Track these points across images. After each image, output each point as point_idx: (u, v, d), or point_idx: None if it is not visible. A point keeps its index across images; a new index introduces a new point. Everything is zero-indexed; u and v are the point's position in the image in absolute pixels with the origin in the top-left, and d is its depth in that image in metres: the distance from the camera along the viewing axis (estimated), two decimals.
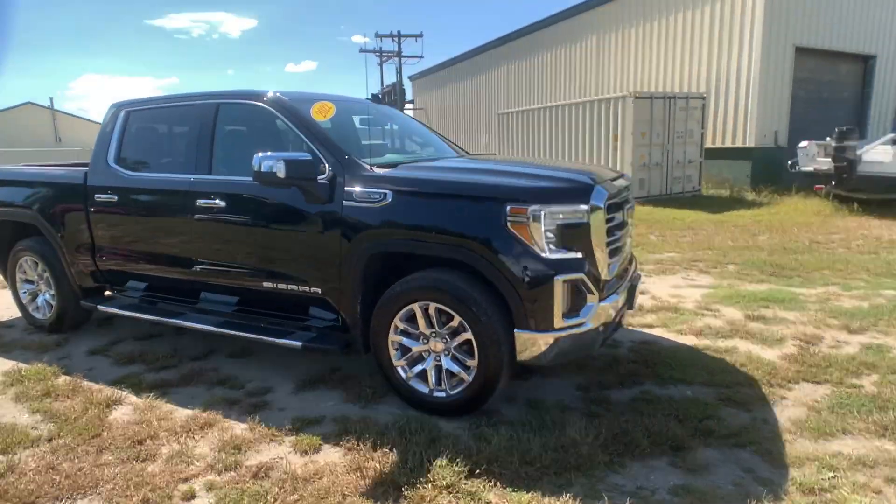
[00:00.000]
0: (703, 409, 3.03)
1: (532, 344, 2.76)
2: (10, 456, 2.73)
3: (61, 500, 2.40)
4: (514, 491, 2.37)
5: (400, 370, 3.09)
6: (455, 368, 2.96)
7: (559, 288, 2.71)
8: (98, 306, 4.17)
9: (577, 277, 2.75)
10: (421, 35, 28.16)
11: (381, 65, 30.79)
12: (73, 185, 4.13)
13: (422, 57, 29.21)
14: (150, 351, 4.04)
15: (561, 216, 2.75)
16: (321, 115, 3.45)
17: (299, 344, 3.31)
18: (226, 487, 2.45)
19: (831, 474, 2.43)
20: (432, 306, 2.92)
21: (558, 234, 2.75)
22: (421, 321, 2.98)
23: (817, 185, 11.23)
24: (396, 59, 28.38)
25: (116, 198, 3.90)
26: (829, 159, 10.45)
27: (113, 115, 4.10)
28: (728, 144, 13.35)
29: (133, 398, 3.33)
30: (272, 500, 2.35)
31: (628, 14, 16.07)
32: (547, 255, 2.73)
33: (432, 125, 31.60)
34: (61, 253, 4.27)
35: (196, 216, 3.55)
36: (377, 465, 2.56)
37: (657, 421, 2.87)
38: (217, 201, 3.45)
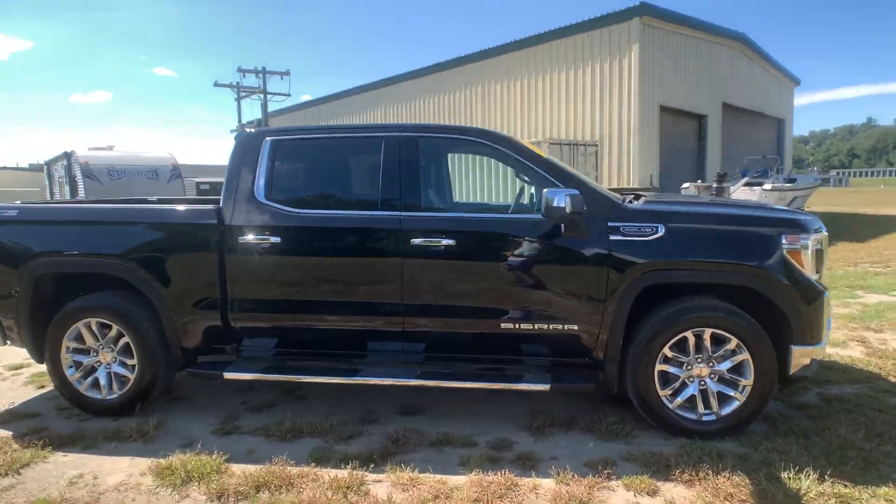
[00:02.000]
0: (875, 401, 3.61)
1: (804, 358, 3.07)
2: None
3: None
4: (865, 486, 2.60)
5: (665, 399, 3.13)
6: (726, 391, 3.11)
7: (827, 305, 3.08)
8: (226, 374, 3.39)
9: (827, 297, 3.15)
10: (288, 73, 27.16)
11: (238, 100, 28.90)
12: (203, 225, 3.37)
13: (289, 95, 28.14)
14: (298, 422, 3.38)
15: (816, 244, 3.14)
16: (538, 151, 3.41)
17: (547, 386, 3.15)
18: None
19: None
20: (707, 332, 3.06)
21: (814, 260, 3.13)
22: (692, 348, 3.09)
23: None
24: (260, 95, 26.89)
25: (279, 239, 3.28)
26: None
27: (252, 145, 3.46)
28: (615, 186, 15.41)
29: (372, 477, 2.80)
30: None
31: (516, 67, 17.76)
32: (813, 277, 3.08)
33: None
34: (163, 310, 3.41)
35: (407, 257, 3.18)
36: (734, 491, 2.58)
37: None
38: (444, 240, 3.15)
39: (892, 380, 4.02)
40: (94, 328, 3.52)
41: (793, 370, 3.08)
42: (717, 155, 18.39)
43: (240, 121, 29.83)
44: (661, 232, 3.06)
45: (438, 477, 2.78)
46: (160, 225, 3.48)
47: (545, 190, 2.93)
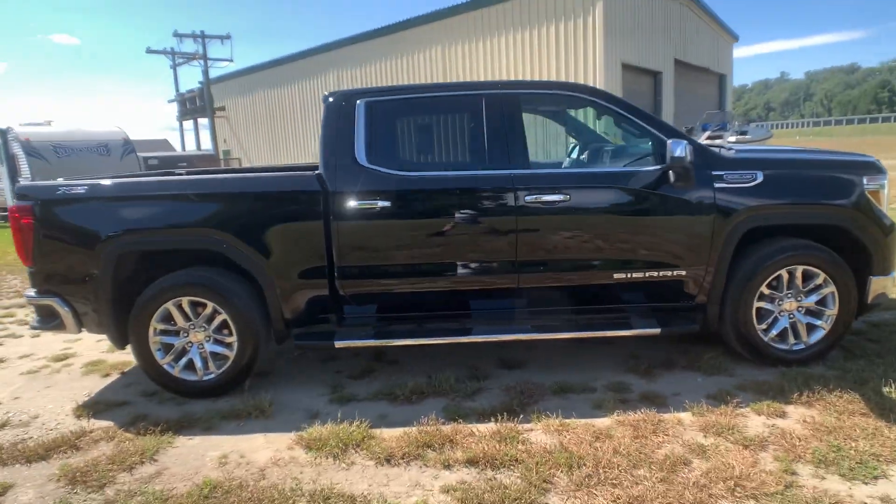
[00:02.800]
0: None
1: (882, 287, 3.41)
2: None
3: None
4: None
5: (761, 333, 3.40)
6: (814, 321, 3.42)
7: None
8: (337, 342, 3.35)
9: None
10: (229, 37, 25.46)
11: (174, 67, 26.94)
12: (306, 192, 3.25)
13: (231, 60, 26.43)
14: (417, 382, 3.43)
15: (886, 185, 3.45)
16: None
17: (658, 330, 3.35)
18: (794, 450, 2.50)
19: None
20: (800, 269, 3.33)
21: (884, 199, 3.44)
22: (785, 285, 3.36)
23: None
24: (200, 62, 25.09)
25: (388, 203, 3.22)
26: None
27: (346, 109, 3.34)
28: None
29: (523, 427, 2.91)
30: (841, 442, 2.51)
31: (479, 26, 17.54)
32: (886, 213, 3.40)
33: (238, 134, 29.11)
34: (265, 282, 3.31)
35: (522, 215, 3.22)
36: (851, 406, 2.88)
37: None
38: (559, 195, 3.21)
39: None
40: (186, 307, 3.36)
41: (871, 299, 3.42)
42: (671, 110, 19.14)
43: (177, 90, 27.97)
44: (760, 178, 3.26)
45: (584, 421, 2.93)
46: (259, 195, 3.32)
47: (670, 141, 3.05)
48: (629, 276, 3.34)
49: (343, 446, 2.77)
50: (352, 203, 3.23)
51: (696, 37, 21.10)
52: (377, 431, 2.92)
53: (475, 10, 17.40)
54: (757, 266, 3.29)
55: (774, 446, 2.61)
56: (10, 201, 5.07)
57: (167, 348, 3.43)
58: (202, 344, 3.43)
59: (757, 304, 3.36)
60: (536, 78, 16.39)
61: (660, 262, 3.32)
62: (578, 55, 15.45)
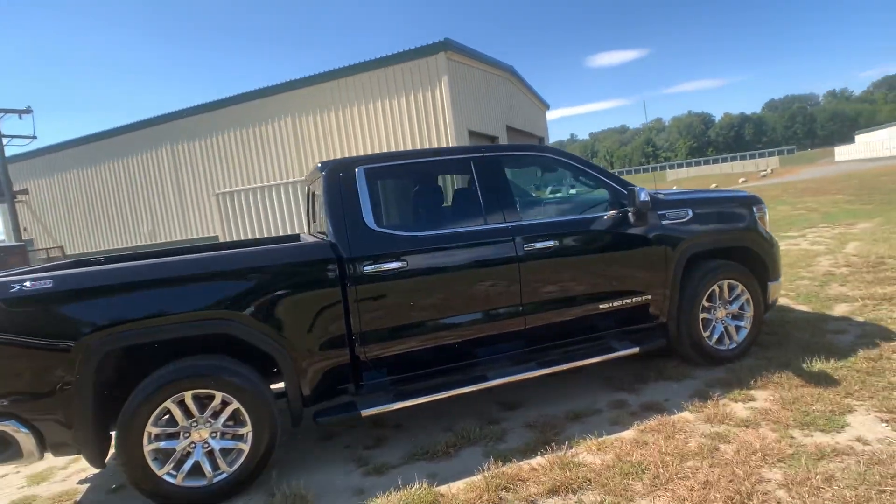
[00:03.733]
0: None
1: (776, 290, 4.42)
2: None
3: None
4: (841, 361, 3.98)
5: (706, 339, 4.14)
6: (738, 323, 4.27)
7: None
8: (364, 411, 3.27)
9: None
10: (29, 111, 22.12)
11: None
12: (321, 261, 3.21)
13: (34, 137, 22.78)
14: (443, 440, 3.48)
15: (766, 211, 4.53)
16: None
17: (637, 349, 3.90)
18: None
19: None
20: (726, 283, 4.17)
21: (767, 222, 4.51)
22: (717, 297, 4.18)
23: None
24: None
25: (404, 263, 3.33)
26: None
27: (346, 176, 3.42)
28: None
29: (571, 452, 3.15)
30: None
31: (334, 97, 18.03)
32: (768, 232, 4.46)
33: (45, 219, 25.17)
34: (282, 360, 3.14)
35: (523, 261, 3.58)
36: (794, 382, 3.67)
37: None
38: (551, 242, 3.65)
39: (790, 303, 5.80)
40: (189, 402, 3.02)
41: (771, 299, 4.40)
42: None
43: None
44: (690, 214, 4.08)
45: (614, 436, 3.27)
46: (272, 268, 3.17)
47: (636, 188, 3.69)
48: (611, 305, 3.87)
49: None
50: (366, 267, 3.28)
51: (518, 105, 24.22)
52: (440, 489, 2.92)
53: (325, 81, 17.91)
54: (699, 284, 4.06)
55: (765, 422, 3.23)
56: None
57: (166, 455, 3.00)
58: (207, 442, 3.08)
59: (702, 314, 4.11)
60: (392, 146, 17.30)
61: (633, 290, 3.92)
62: (431, 123, 16.72)
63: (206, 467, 3.04)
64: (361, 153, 17.55)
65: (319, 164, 3.52)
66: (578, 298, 3.80)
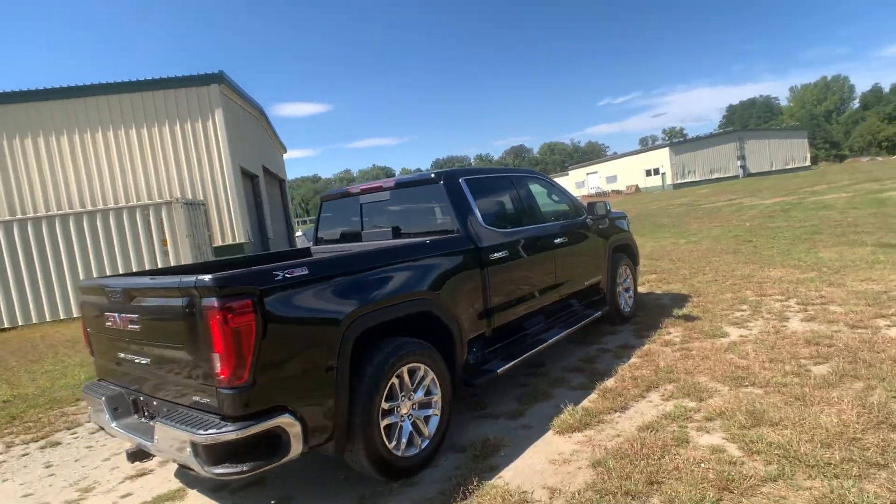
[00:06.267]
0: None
1: (639, 273, 6.87)
2: None
3: None
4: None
5: (622, 295, 6.22)
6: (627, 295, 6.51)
7: None
8: (499, 370, 4.07)
9: None
10: None
11: None
12: (470, 249, 3.97)
13: None
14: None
15: (628, 220, 6.96)
16: None
17: (599, 313, 5.68)
18: None
19: None
20: (625, 259, 6.37)
21: (629, 224, 6.95)
22: (626, 272, 6.34)
23: None
24: None
25: (506, 252, 4.31)
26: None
27: (455, 184, 4.22)
28: (229, 242, 15.81)
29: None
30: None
31: (77, 117, 14.92)
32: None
33: None
34: (456, 332, 3.75)
35: (554, 249, 4.97)
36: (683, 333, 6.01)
37: None
38: (564, 238, 5.13)
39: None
40: (406, 377, 3.37)
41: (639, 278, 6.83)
42: (267, 210, 21.22)
43: None
44: (607, 222, 6.13)
45: (626, 363, 4.91)
46: (445, 255, 3.72)
47: (598, 202, 5.48)
48: (584, 283, 5.54)
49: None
50: (491, 254, 4.16)
51: (267, 147, 24.11)
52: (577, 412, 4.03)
53: (64, 98, 14.83)
54: (616, 266, 6.11)
55: (679, 350, 5.36)
56: None
57: (388, 430, 3.26)
58: (411, 413, 3.43)
59: (620, 287, 6.19)
60: (156, 173, 15.46)
61: (594, 272, 5.69)
62: (203, 156, 15.60)
63: (415, 437, 3.40)
64: (111, 182, 15.13)
65: (430, 173, 4.22)
66: (579, 277, 5.37)
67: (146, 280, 3.02)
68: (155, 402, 3.09)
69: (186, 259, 12.80)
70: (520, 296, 4.52)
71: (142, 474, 3.87)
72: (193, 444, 2.59)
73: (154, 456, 3.16)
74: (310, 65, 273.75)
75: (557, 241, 5.04)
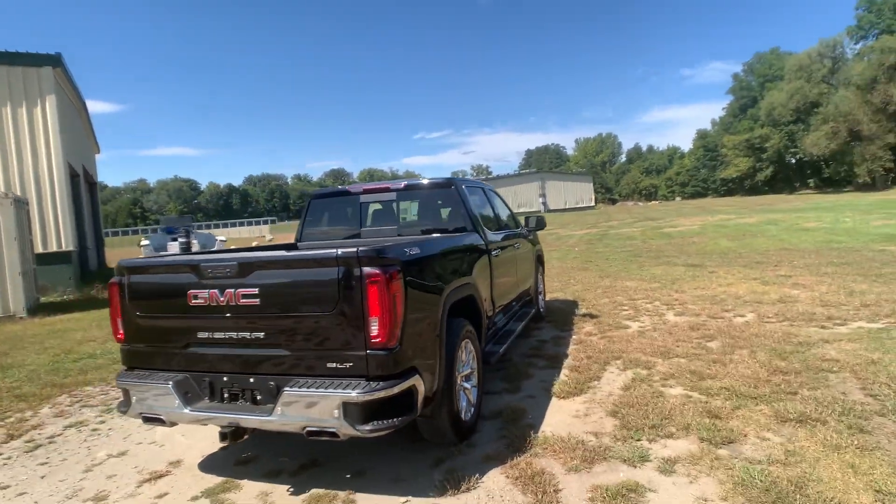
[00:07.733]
0: None
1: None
2: None
3: None
4: None
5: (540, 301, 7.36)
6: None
7: None
8: (500, 350, 4.74)
9: None
10: None
11: None
12: (482, 244, 4.64)
13: None
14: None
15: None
16: None
17: (534, 310, 6.71)
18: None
19: None
20: (540, 268, 7.54)
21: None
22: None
23: None
24: None
25: (499, 251, 5.05)
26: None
27: (460, 189, 4.84)
28: (53, 249, 13.32)
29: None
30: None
31: None
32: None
33: None
34: (481, 310, 4.35)
35: (516, 254, 5.85)
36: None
37: None
38: (518, 244, 6.05)
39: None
40: (463, 350, 3.86)
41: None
42: (86, 215, 18.39)
43: None
44: (532, 235, 7.24)
45: (580, 335, 5.98)
46: (472, 247, 4.36)
47: (538, 216, 6.52)
48: (529, 284, 6.52)
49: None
50: (492, 250, 4.87)
51: (87, 146, 20.80)
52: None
53: None
54: (538, 271, 7.24)
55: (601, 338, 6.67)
56: None
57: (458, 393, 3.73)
58: (463, 385, 3.92)
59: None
60: None
61: (531, 275, 6.71)
62: (25, 146, 13.11)
63: (465, 403, 3.89)
64: None
65: (451, 177, 4.77)
66: (525, 278, 6.31)
67: (281, 253, 3.07)
68: (252, 380, 3.09)
69: (13, 267, 10.70)
70: (503, 290, 5.28)
71: (159, 476, 3.62)
72: (345, 405, 2.78)
73: (248, 434, 3.15)
74: (99, 52, 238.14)
75: (516, 245, 5.93)
